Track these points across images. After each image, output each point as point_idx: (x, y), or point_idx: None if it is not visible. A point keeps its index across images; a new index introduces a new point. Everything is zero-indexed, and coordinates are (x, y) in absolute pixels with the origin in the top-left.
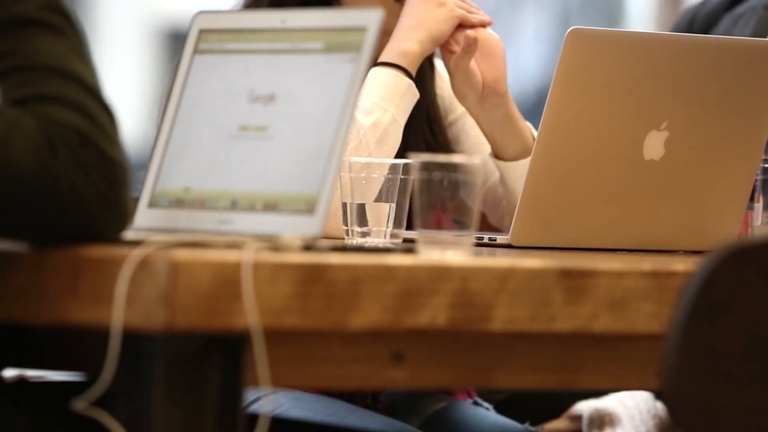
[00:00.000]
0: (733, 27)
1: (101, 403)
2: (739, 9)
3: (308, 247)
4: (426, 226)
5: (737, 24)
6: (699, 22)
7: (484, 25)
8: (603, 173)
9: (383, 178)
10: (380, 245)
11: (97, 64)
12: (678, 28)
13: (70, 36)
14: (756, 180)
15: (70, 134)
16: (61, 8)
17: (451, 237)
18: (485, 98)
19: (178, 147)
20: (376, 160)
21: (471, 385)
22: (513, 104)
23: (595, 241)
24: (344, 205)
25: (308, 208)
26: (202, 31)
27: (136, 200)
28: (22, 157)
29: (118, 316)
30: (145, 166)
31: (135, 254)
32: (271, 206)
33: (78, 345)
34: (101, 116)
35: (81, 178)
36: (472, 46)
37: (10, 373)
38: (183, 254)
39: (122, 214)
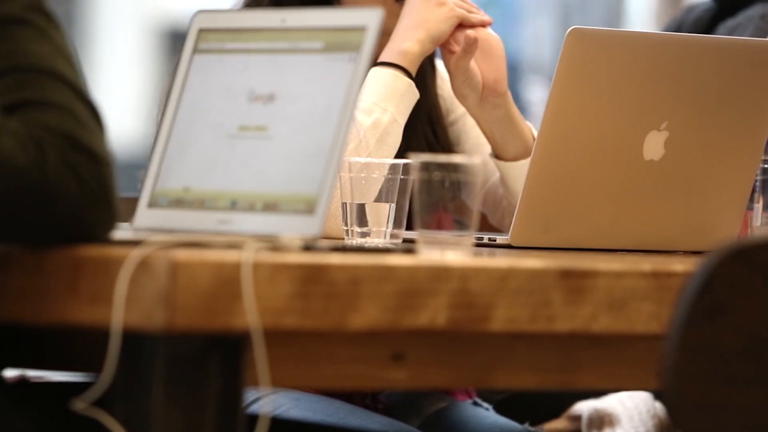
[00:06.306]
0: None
1: (101, 403)
2: (734, 20)
3: (308, 247)
4: (426, 226)
5: (733, 35)
6: (685, 29)
7: (484, 25)
8: (603, 173)
9: (383, 178)
10: (380, 245)
11: (90, 63)
12: None
13: (55, 36)
14: (756, 180)
15: (58, 137)
16: (45, 9)
17: (451, 237)
18: (485, 98)
19: (178, 147)
20: (376, 160)
21: (471, 385)
22: (513, 104)
23: (595, 241)
24: (344, 205)
25: (308, 208)
26: (201, 31)
27: (135, 200)
28: (12, 159)
29: (118, 316)
30: (143, 165)
31: (135, 254)
32: (270, 206)
33: (78, 345)
34: (88, 117)
35: (70, 179)
36: (472, 46)
37: (10, 373)
38: (183, 254)
39: (112, 212)
